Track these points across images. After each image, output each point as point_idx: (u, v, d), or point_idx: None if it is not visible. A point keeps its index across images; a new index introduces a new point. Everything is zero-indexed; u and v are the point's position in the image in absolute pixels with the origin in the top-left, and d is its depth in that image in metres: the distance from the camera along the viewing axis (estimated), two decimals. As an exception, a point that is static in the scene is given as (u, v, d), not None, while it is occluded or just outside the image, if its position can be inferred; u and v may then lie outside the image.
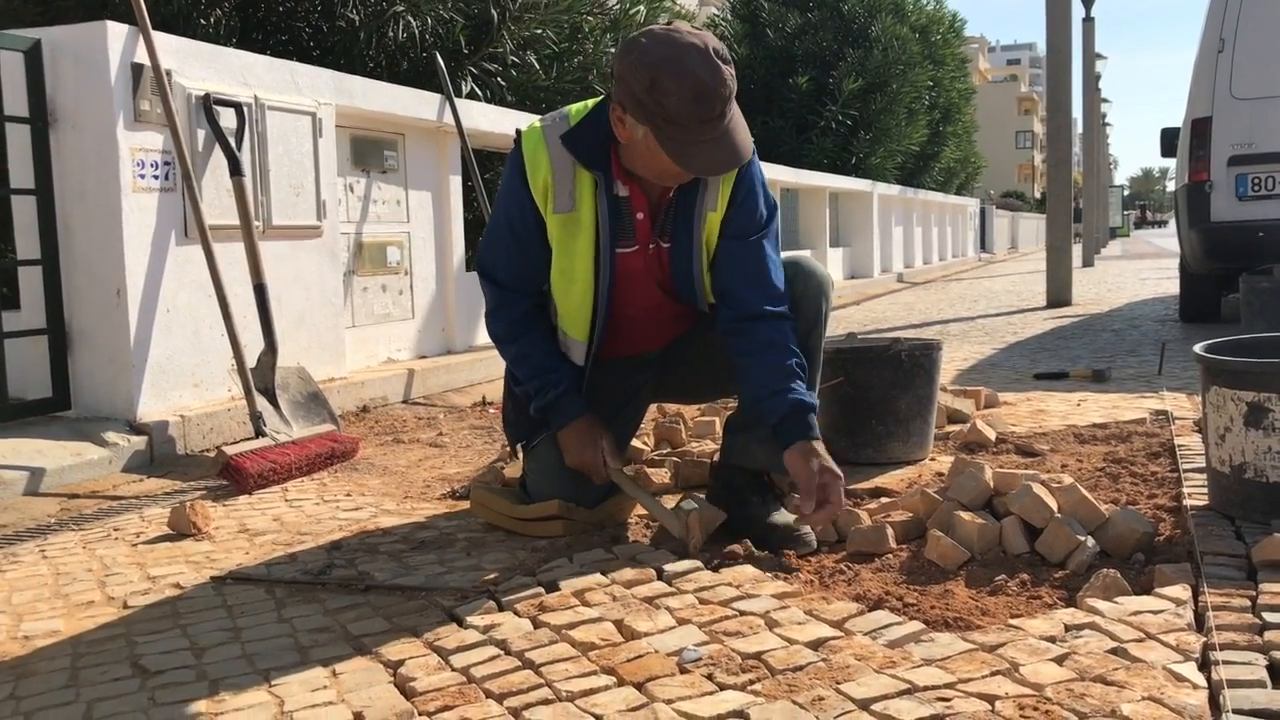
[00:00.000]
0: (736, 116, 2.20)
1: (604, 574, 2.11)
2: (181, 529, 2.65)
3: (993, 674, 1.58)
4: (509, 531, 2.52)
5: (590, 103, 2.37)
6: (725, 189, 2.38)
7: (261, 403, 3.52)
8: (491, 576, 2.18)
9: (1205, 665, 1.58)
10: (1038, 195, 60.73)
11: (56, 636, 1.98)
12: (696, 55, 2.12)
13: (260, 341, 3.68)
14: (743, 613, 1.87)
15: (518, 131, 2.40)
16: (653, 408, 3.72)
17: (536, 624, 1.88)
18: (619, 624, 1.85)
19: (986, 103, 51.07)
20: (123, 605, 2.14)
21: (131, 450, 3.47)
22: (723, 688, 1.59)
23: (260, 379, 3.60)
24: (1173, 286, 10.24)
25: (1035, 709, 1.47)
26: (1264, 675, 1.52)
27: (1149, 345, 6.24)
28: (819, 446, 2.25)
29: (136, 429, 3.55)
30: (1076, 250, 15.32)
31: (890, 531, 2.25)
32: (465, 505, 2.80)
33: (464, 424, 4.22)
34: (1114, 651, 1.63)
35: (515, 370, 2.51)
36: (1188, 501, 2.37)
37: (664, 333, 2.62)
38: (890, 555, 2.21)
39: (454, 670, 1.72)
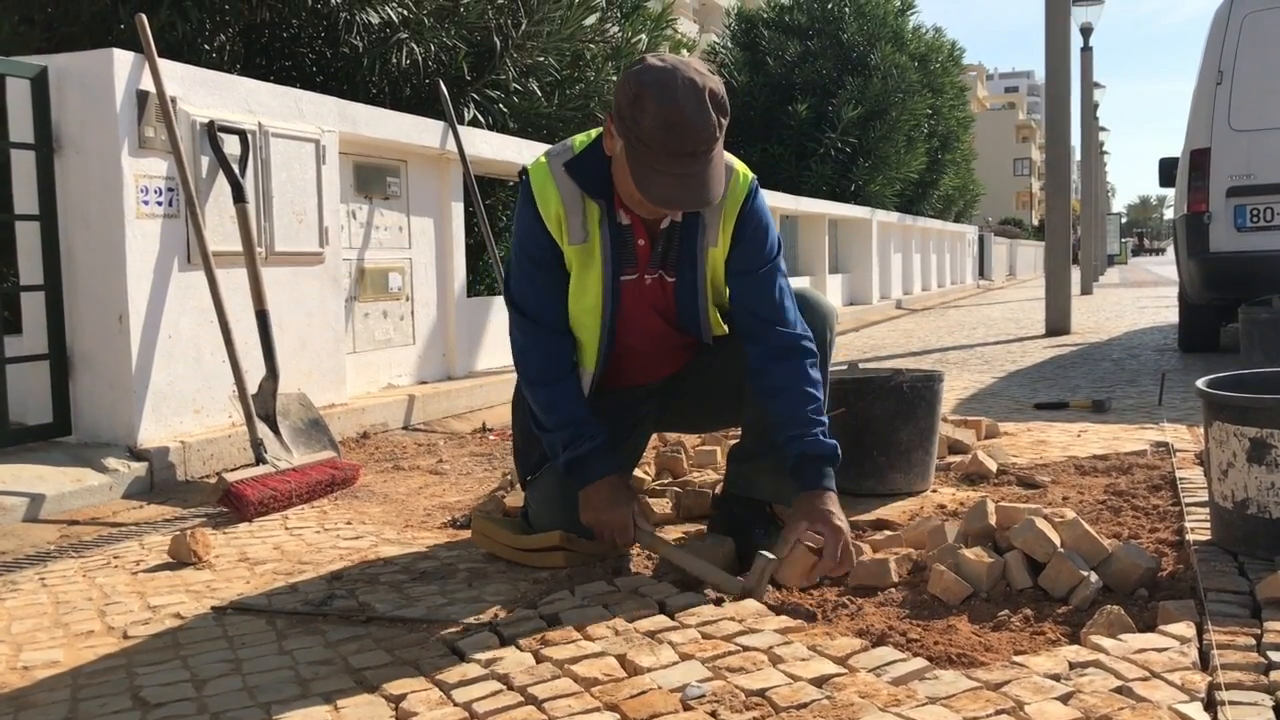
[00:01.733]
0: (715, 164, 2.18)
1: (606, 607, 2.10)
2: (182, 557, 2.64)
3: (998, 713, 1.58)
4: (510, 562, 2.51)
5: (593, 133, 2.38)
6: (727, 226, 2.38)
7: (262, 429, 3.51)
8: (493, 613, 2.17)
9: (1211, 705, 1.58)
10: (1036, 222, 60.91)
11: (56, 667, 1.97)
12: (689, 89, 2.11)
13: (261, 367, 3.68)
14: (746, 648, 1.87)
15: (524, 169, 2.41)
16: (654, 437, 3.72)
17: (539, 658, 1.87)
18: (622, 659, 1.84)
19: (985, 130, 51.30)
20: (123, 635, 2.13)
21: (132, 476, 3.46)
22: (727, 725, 1.59)
23: (261, 405, 3.60)
24: (1171, 315, 10.27)
25: (1041, 749, 1.47)
26: (1270, 716, 1.51)
27: (1148, 375, 6.25)
28: (827, 497, 2.26)
29: (137, 455, 3.55)
30: (1075, 278, 15.36)
31: (893, 565, 2.25)
32: (466, 534, 2.79)
33: (464, 451, 4.22)
34: (1119, 690, 1.63)
35: (543, 417, 2.42)
36: (1190, 536, 2.37)
37: (666, 363, 2.62)
38: (893, 589, 2.21)
39: (456, 705, 1.71)
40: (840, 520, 2.23)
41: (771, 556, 2.16)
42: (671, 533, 2.74)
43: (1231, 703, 1.55)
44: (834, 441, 2.34)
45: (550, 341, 2.40)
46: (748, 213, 2.40)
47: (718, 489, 2.81)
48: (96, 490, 3.34)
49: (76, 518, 3.18)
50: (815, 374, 2.38)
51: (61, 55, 3.67)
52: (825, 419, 2.35)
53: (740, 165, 2.42)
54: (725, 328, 2.53)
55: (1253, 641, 1.76)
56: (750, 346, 2.41)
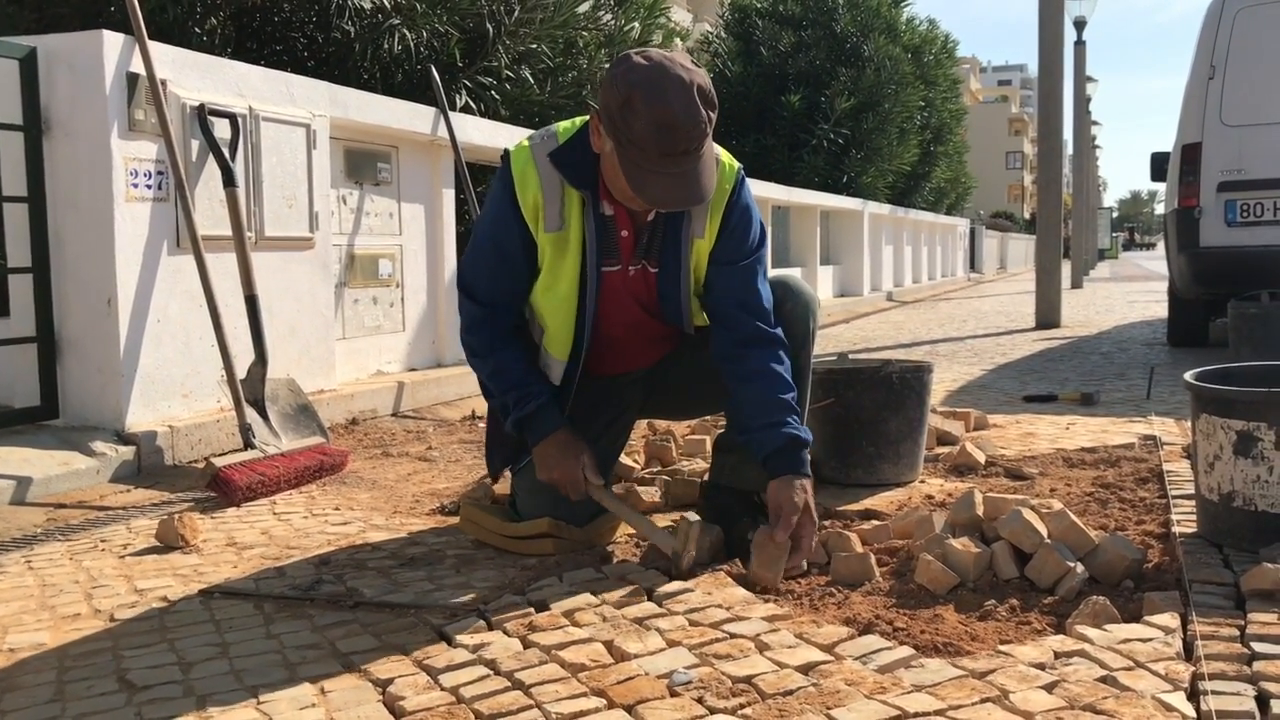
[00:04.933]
0: (706, 159, 2.19)
1: (594, 594, 2.11)
2: (169, 541, 2.64)
3: (983, 701, 1.58)
4: (498, 549, 2.51)
5: (578, 121, 2.37)
6: (715, 217, 2.38)
7: (251, 414, 3.51)
8: (481, 598, 2.17)
9: (1194, 695, 1.59)
10: (1027, 216, 60.98)
11: (42, 649, 1.97)
12: (678, 89, 2.10)
13: (250, 353, 3.67)
14: (733, 635, 1.87)
15: (506, 151, 2.40)
16: (643, 425, 3.73)
17: (526, 644, 1.87)
18: (609, 645, 1.85)
19: (977, 123, 51.34)
20: (109, 618, 2.13)
21: (119, 460, 3.45)
22: (713, 711, 1.59)
23: (250, 390, 3.59)
24: (1161, 310, 10.31)
25: (1025, 737, 1.47)
26: (1252, 706, 1.52)
27: (1137, 369, 6.27)
28: (807, 485, 2.27)
29: (125, 439, 3.54)
30: (1065, 272, 15.39)
31: (873, 560, 2.24)
32: (454, 521, 2.79)
33: (453, 438, 4.21)
34: (1103, 680, 1.64)
35: (491, 384, 2.46)
36: (1176, 529, 2.38)
37: (649, 352, 2.62)
38: (879, 579, 2.21)
39: (443, 690, 1.71)
40: (813, 510, 2.24)
41: (695, 518, 2.27)
42: (660, 520, 2.75)
43: (1214, 692, 1.56)
44: (807, 429, 2.35)
45: (498, 320, 2.42)
46: (734, 203, 2.40)
47: (705, 477, 2.81)
48: (84, 474, 3.33)
49: (63, 501, 3.17)
50: (787, 364, 2.39)
51: (51, 36, 3.64)
52: (797, 410, 2.36)
53: (725, 155, 2.41)
54: (706, 318, 2.53)
55: (1236, 632, 1.77)
56: (723, 332, 2.41)
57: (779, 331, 2.42)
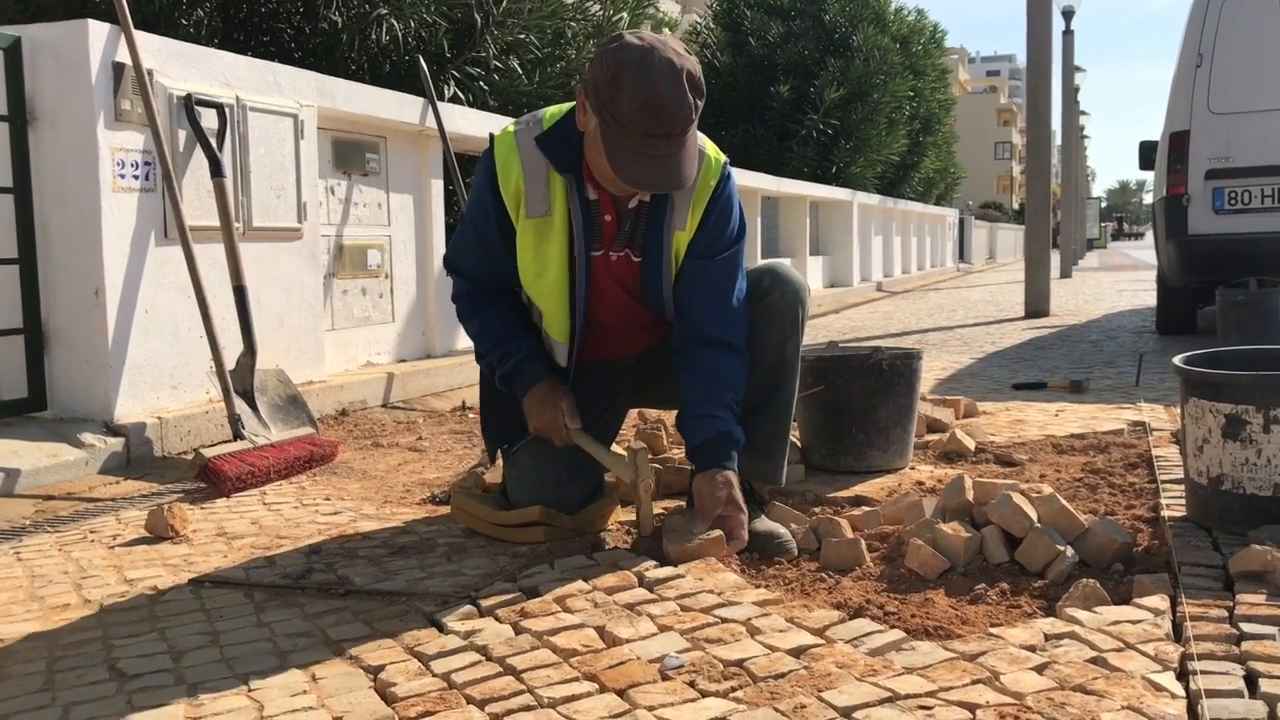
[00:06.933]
0: (689, 146, 2.20)
1: (585, 580, 2.10)
2: (159, 531, 2.63)
3: (973, 683, 1.59)
4: (489, 537, 2.51)
5: (566, 106, 2.37)
6: (696, 210, 2.38)
7: (240, 405, 3.50)
8: (472, 586, 2.17)
9: (1183, 675, 1.59)
10: (1016, 206, 61.10)
11: (32, 639, 1.96)
12: (666, 71, 2.11)
13: (239, 343, 3.66)
14: (724, 620, 1.87)
15: (491, 136, 2.40)
16: (634, 414, 3.73)
17: (518, 630, 1.87)
18: (601, 630, 1.85)
19: (966, 113, 51.30)
20: (99, 608, 2.12)
21: (108, 452, 3.44)
22: (704, 695, 1.59)
23: (239, 381, 3.58)
24: (1149, 299, 10.33)
25: (1016, 718, 1.48)
26: (1241, 685, 1.53)
27: (1126, 356, 6.29)
28: (731, 477, 2.30)
29: (113, 430, 3.53)
30: (1054, 261, 15.41)
31: (864, 545, 2.25)
32: (445, 510, 2.79)
33: (444, 428, 4.21)
34: (1093, 661, 1.65)
35: (479, 344, 2.54)
36: (1165, 512, 2.39)
37: (638, 339, 2.61)
38: (870, 564, 2.22)
39: (435, 676, 1.71)
40: (737, 501, 2.28)
41: (642, 445, 2.34)
42: (654, 508, 2.74)
43: (1203, 672, 1.56)
44: (740, 428, 2.36)
45: (481, 289, 2.50)
46: (717, 198, 2.40)
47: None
48: (72, 465, 3.32)
49: (52, 493, 3.15)
50: (740, 371, 2.39)
51: (36, 25, 3.62)
52: (735, 410, 2.36)
53: (712, 148, 2.41)
54: None
55: (1225, 613, 1.78)
56: (684, 326, 2.41)
57: (739, 339, 2.40)
